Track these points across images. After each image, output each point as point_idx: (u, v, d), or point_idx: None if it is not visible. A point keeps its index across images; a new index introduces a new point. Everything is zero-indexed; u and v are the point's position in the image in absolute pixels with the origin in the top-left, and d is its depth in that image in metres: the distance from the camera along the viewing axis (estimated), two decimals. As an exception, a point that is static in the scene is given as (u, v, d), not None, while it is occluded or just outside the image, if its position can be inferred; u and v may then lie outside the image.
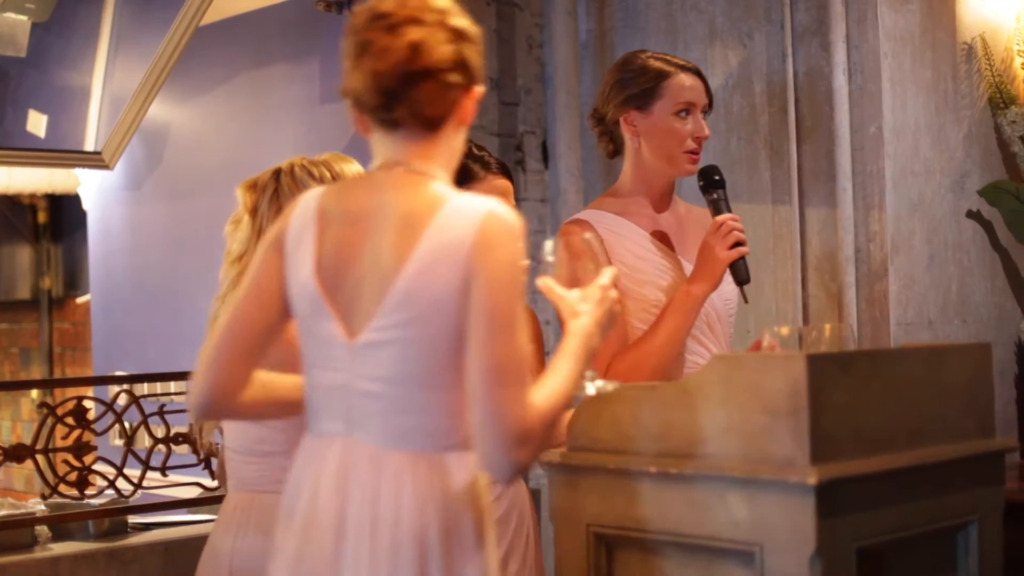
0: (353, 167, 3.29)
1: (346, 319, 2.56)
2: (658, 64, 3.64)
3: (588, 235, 3.60)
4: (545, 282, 2.83)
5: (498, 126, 5.84)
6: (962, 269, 4.76)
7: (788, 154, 5.04)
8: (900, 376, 2.83)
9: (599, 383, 2.80)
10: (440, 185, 2.60)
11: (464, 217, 2.53)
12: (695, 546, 2.75)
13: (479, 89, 2.66)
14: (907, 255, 4.62)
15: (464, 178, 3.75)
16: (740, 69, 5.20)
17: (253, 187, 3.27)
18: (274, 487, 3.01)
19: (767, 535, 2.64)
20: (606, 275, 2.80)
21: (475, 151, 3.84)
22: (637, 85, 3.64)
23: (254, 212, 3.24)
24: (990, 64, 4.85)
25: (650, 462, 2.80)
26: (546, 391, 2.51)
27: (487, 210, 2.54)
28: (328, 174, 3.24)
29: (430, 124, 2.61)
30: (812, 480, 2.56)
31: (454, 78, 2.59)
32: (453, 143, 2.67)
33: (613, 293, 2.78)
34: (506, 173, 3.86)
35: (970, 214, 4.81)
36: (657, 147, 3.63)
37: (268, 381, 2.70)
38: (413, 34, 2.55)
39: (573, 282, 3.60)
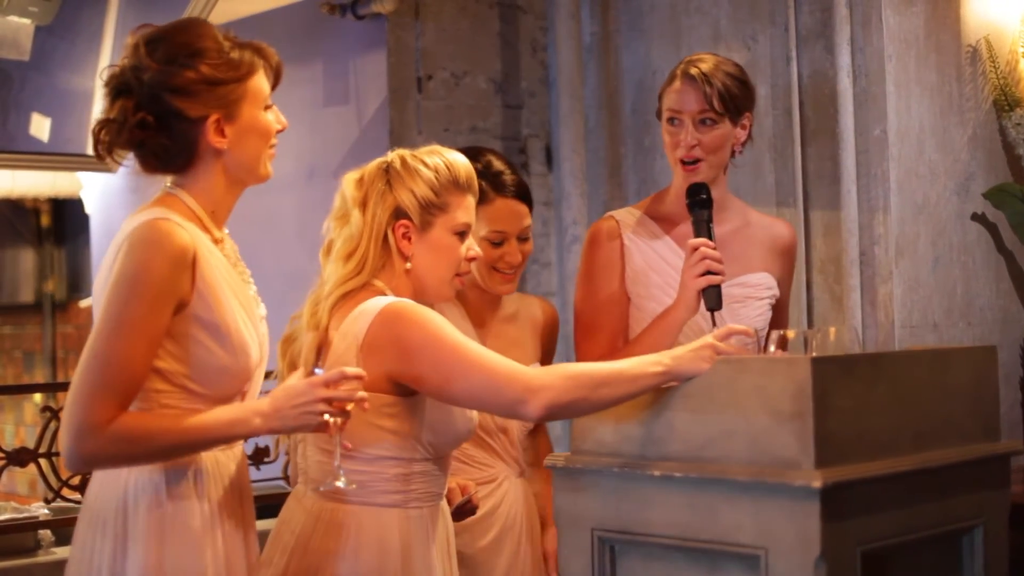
0: (459, 156, 3.21)
1: None
2: (674, 69, 3.59)
3: (612, 233, 3.61)
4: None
5: (502, 129, 5.84)
6: (967, 272, 4.75)
7: (792, 157, 5.03)
8: (905, 379, 2.83)
9: (341, 483, 2.89)
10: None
11: (128, 224, 2.80)
12: (699, 550, 2.75)
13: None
14: (912, 258, 4.61)
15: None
16: (744, 72, 5.19)
17: (360, 181, 3.16)
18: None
19: (772, 538, 2.63)
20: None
21: (494, 166, 3.76)
22: (660, 92, 3.61)
23: (364, 206, 3.14)
24: (995, 66, 4.84)
25: (654, 465, 2.80)
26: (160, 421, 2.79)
27: (143, 220, 2.78)
28: (442, 164, 3.15)
29: None
30: (817, 483, 2.55)
31: None
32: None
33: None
34: (522, 195, 3.78)
35: (975, 217, 4.81)
36: (667, 155, 3.61)
37: None
38: None
39: (587, 273, 3.63)
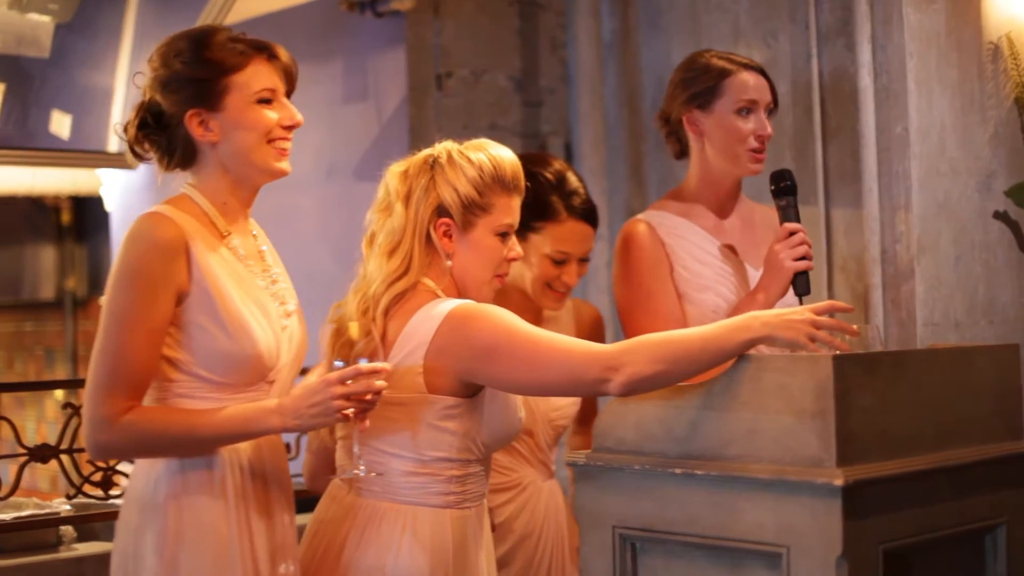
0: (506, 152, 3.15)
1: None
2: (720, 63, 3.61)
3: (648, 234, 3.61)
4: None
5: (521, 127, 5.84)
6: (989, 270, 4.73)
7: (813, 155, 5.02)
8: (927, 377, 2.82)
9: (360, 471, 2.96)
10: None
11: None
12: (721, 548, 2.75)
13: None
14: (933, 256, 4.59)
15: (541, 213, 3.69)
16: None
17: (405, 174, 3.12)
18: None
19: (793, 537, 2.63)
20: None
21: (570, 183, 3.75)
22: (699, 84, 3.61)
23: (407, 200, 3.10)
24: (1016, 64, 4.82)
25: (675, 463, 2.80)
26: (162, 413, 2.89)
27: (141, 216, 2.89)
28: (487, 161, 3.09)
29: None
30: (838, 482, 2.55)
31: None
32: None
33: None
34: (593, 218, 3.77)
35: (997, 215, 4.79)
36: (719, 146, 3.60)
37: None
38: None
39: (635, 278, 3.61)
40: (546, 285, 3.71)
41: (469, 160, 3.08)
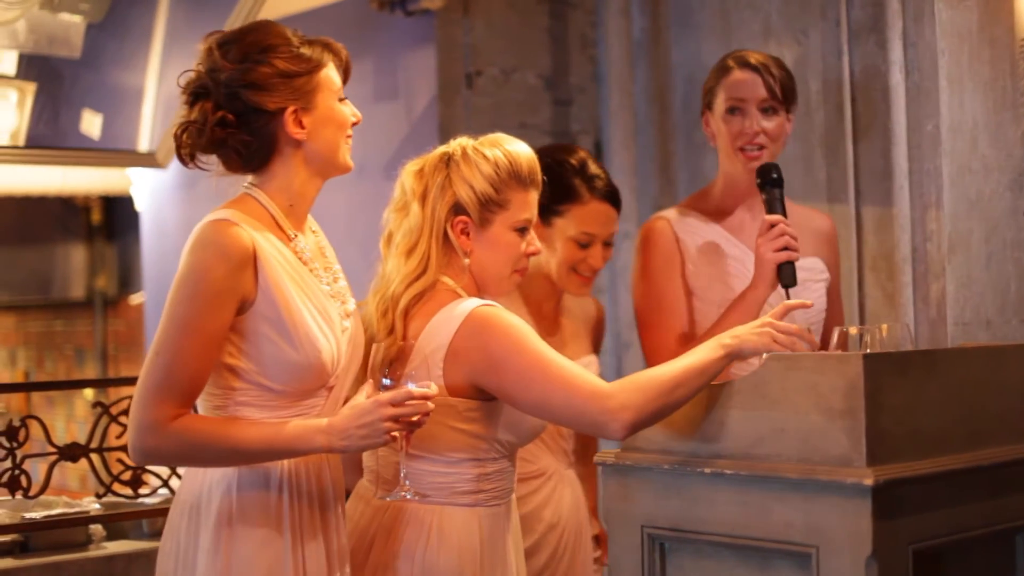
0: (521, 147, 3.12)
1: None
2: (724, 62, 3.62)
3: (665, 231, 3.62)
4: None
5: (551, 125, 5.83)
6: (1021, 268, 4.70)
7: (844, 152, 5.00)
8: (958, 376, 2.81)
9: (408, 493, 2.92)
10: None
11: (196, 226, 2.87)
12: (750, 547, 2.74)
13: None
14: (965, 254, 4.57)
15: (565, 195, 3.70)
16: (795, 67, 5.16)
17: (421, 173, 3.11)
18: None
19: (823, 537, 2.62)
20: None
21: (590, 168, 3.77)
22: (706, 85, 3.64)
23: (424, 199, 3.08)
24: (1049, 61, 4.79)
25: (704, 463, 2.79)
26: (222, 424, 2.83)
27: (205, 222, 2.84)
28: (503, 157, 3.07)
29: None
30: (869, 481, 2.54)
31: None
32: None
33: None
34: (615, 200, 3.79)
35: (1029, 213, 4.76)
36: (720, 145, 3.62)
37: None
38: None
39: (648, 274, 3.63)
40: (571, 269, 3.73)
41: (484, 156, 3.06)
